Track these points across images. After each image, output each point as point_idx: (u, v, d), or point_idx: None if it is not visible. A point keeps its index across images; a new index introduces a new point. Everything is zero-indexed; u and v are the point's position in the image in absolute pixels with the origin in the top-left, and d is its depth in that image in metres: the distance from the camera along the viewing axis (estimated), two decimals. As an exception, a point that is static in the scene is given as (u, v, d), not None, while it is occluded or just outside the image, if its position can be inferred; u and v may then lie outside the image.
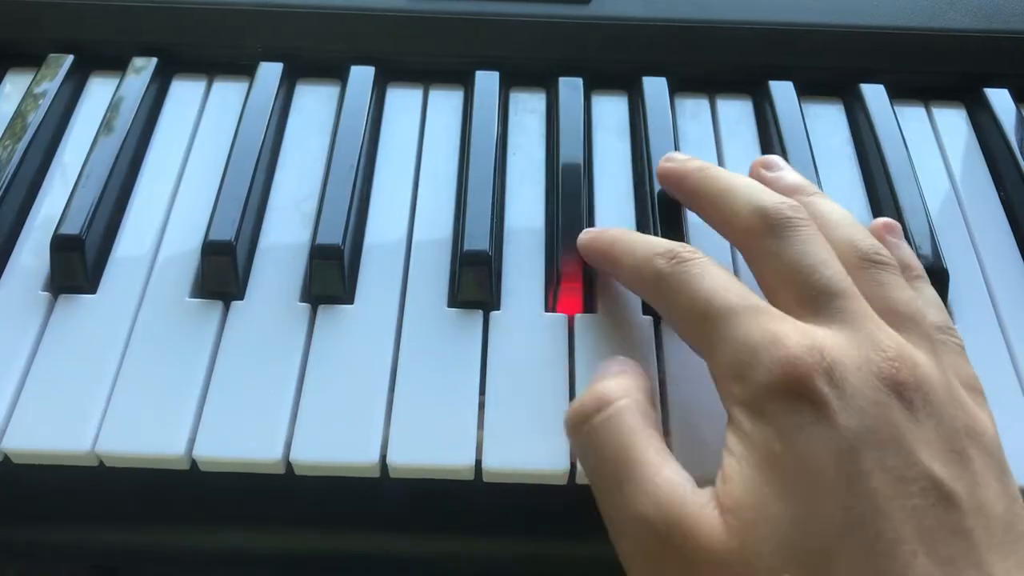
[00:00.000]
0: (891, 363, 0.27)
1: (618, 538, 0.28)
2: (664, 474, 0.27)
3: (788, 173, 0.37)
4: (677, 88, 0.45)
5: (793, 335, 0.27)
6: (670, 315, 0.32)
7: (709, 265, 0.31)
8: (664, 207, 0.39)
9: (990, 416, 0.29)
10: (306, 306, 0.36)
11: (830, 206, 0.34)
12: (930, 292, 0.34)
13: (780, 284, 0.30)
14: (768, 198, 0.32)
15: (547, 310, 0.36)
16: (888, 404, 0.26)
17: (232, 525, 0.35)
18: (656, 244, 0.32)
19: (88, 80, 0.45)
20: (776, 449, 0.26)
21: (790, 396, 0.26)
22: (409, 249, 0.38)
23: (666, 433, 0.32)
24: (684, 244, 0.32)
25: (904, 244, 0.36)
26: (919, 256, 0.37)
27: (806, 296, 0.29)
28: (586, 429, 0.29)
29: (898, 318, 0.29)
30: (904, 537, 0.24)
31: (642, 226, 0.40)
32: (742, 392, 0.27)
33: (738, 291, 0.29)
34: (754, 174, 0.38)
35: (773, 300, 0.30)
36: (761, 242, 0.31)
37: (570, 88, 0.44)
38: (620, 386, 0.30)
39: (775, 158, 0.38)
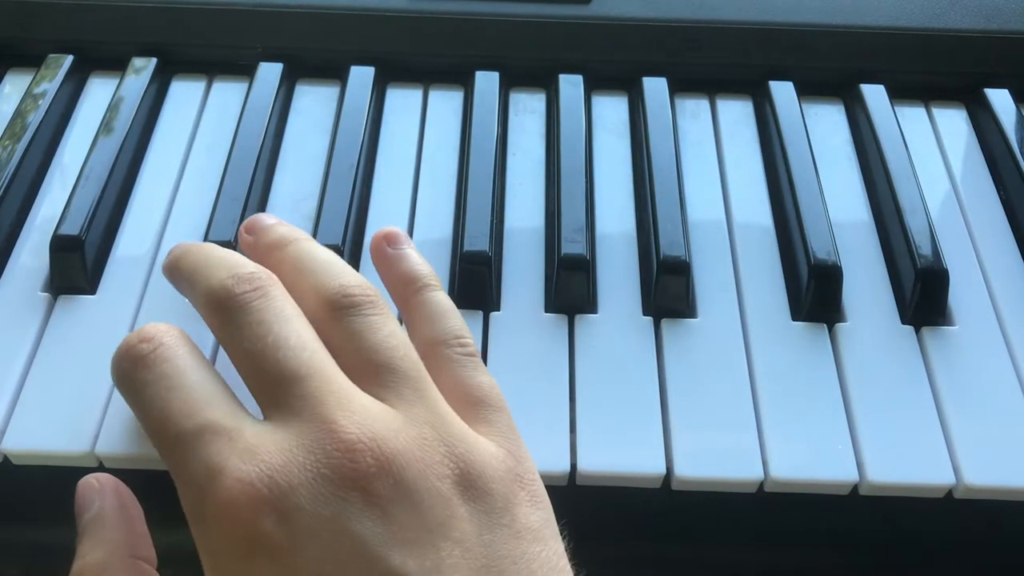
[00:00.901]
0: (348, 456, 0.23)
1: None
2: None
3: (271, 231, 0.32)
4: (677, 88, 0.45)
5: (233, 467, 0.23)
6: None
7: (164, 362, 0.26)
8: (664, 207, 0.39)
9: (500, 429, 0.27)
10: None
11: (308, 249, 0.30)
12: (434, 301, 0.30)
13: (244, 375, 0.27)
14: (217, 275, 0.28)
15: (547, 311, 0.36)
16: (349, 515, 0.23)
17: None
18: (128, 338, 0.28)
19: (88, 80, 0.45)
20: None
21: (239, 546, 0.23)
22: (409, 249, 0.38)
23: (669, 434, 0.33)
24: (141, 330, 0.27)
25: (407, 252, 0.32)
26: (919, 256, 0.37)
27: (263, 385, 0.26)
28: None
29: (372, 370, 0.26)
30: None
31: (641, 227, 0.39)
32: (200, 541, 0.24)
33: (182, 409, 0.25)
34: (239, 240, 0.33)
35: (251, 392, 0.27)
36: (221, 328, 0.27)
37: (570, 87, 0.44)
38: (96, 561, 0.27)
39: (256, 219, 0.33)
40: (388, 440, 0.24)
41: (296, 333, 0.26)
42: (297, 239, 0.31)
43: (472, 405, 0.27)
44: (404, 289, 0.31)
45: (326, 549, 0.23)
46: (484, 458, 0.25)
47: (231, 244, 0.36)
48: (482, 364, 0.29)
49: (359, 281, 0.29)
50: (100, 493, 0.28)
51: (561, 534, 0.27)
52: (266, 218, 0.33)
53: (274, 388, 0.25)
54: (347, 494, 0.23)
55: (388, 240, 0.32)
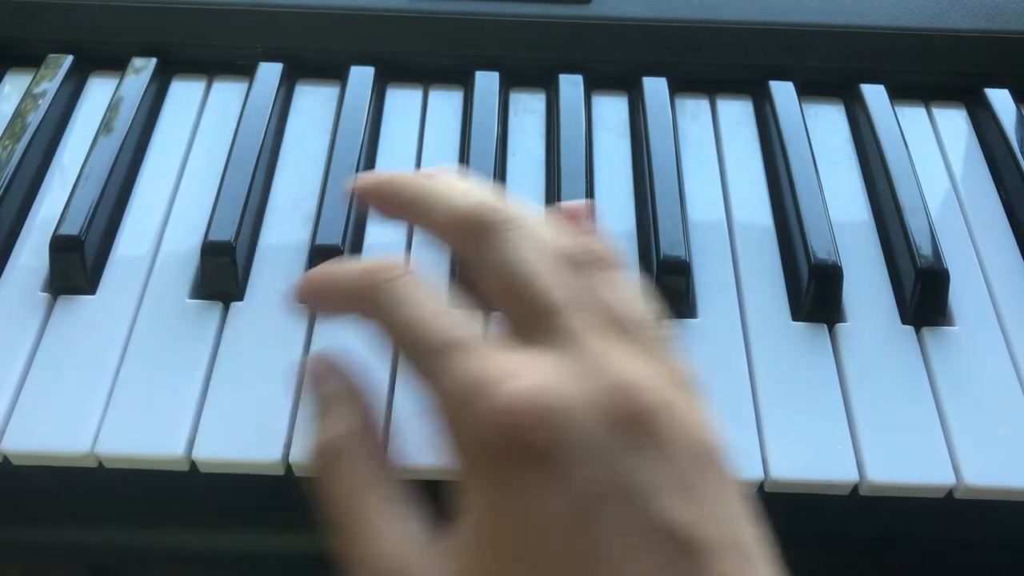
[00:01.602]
0: (613, 395, 0.23)
1: None
2: (385, 535, 0.25)
3: (458, 183, 0.32)
4: (677, 88, 0.45)
5: (504, 380, 0.23)
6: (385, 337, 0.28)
7: (406, 286, 0.27)
8: (664, 207, 0.39)
9: (707, 411, 0.26)
10: (306, 306, 0.36)
11: (523, 208, 0.30)
12: (629, 280, 0.30)
13: (499, 299, 0.27)
14: (466, 201, 0.28)
15: None
16: (614, 448, 0.23)
17: (232, 525, 0.35)
18: (356, 266, 0.29)
19: (88, 80, 0.45)
20: (500, 520, 0.23)
21: (507, 455, 0.23)
22: (409, 249, 0.38)
23: None
24: (385, 261, 0.28)
25: (596, 229, 0.32)
26: (919, 256, 0.37)
27: (524, 314, 0.26)
28: (315, 490, 0.27)
29: (612, 325, 0.26)
30: None
31: (641, 227, 0.39)
32: (457, 448, 0.24)
33: (441, 323, 0.26)
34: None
35: (500, 315, 0.27)
36: (475, 251, 0.27)
37: (570, 87, 0.44)
38: (338, 432, 0.27)
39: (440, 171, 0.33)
40: (645, 390, 0.24)
41: (554, 269, 0.27)
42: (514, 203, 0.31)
43: (678, 385, 0.27)
44: (598, 264, 0.30)
45: (593, 473, 0.23)
46: (710, 431, 0.25)
47: (231, 244, 0.36)
48: (677, 349, 0.29)
49: (595, 240, 0.29)
50: (336, 374, 0.29)
51: None
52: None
53: (536, 317, 0.26)
54: (611, 429, 0.23)
55: (580, 214, 0.32)
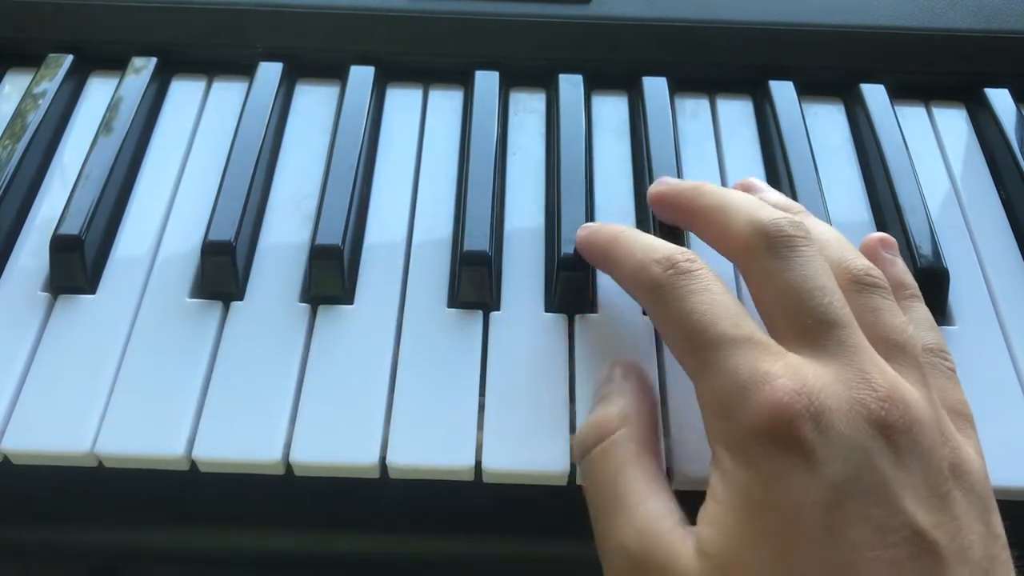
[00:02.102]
0: (881, 404, 0.26)
1: (604, 565, 0.28)
2: (647, 506, 0.27)
3: (772, 193, 0.36)
4: (677, 88, 0.45)
5: (782, 376, 0.26)
6: (661, 329, 0.31)
7: (707, 280, 0.29)
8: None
9: (977, 445, 0.29)
10: (306, 306, 0.36)
11: (819, 225, 0.33)
12: (923, 312, 0.33)
13: (776, 307, 0.29)
14: (767, 213, 0.30)
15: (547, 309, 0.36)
16: (874, 450, 0.25)
17: (232, 525, 0.35)
18: (655, 248, 0.31)
19: (88, 80, 0.45)
20: (756, 495, 0.25)
21: (774, 442, 0.25)
22: (409, 249, 0.38)
23: (666, 435, 0.32)
24: (685, 251, 0.31)
25: (899, 260, 0.35)
26: (919, 256, 0.37)
27: (802, 324, 0.28)
28: (585, 461, 0.30)
29: (890, 347, 0.28)
30: None
31: (642, 227, 0.39)
32: (725, 431, 0.27)
33: (733, 317, 0.28)
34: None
35: (769, 323, 0.29)
36: (759, 261, 0.30)
37: (570, 86, 0.44)
38: (619, 415, 0.30)
39: (755, 180, 0.38)
40: (913, 405, 0.26)
41: (836, 287, 0.29)
42: (803, 211, 0.35)
43: (956, 416, 0.29)
44: (896, 292, 0.33)
45: (850, 468, 0.25)
46: (972, 457, 0.27)
47: (231, 244, 0.36)
48: (959, 381, 0.31)
49: (874, 266, 0.31)
50: (628, 372, 0.32)
51: None
52: (758, 181, 0.38)
53: (813, 328, 0.28)
54: (874, 433, 0.25)
55: (885, 244, 0.35)
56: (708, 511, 0.27)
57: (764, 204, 0.31)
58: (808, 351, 0.27)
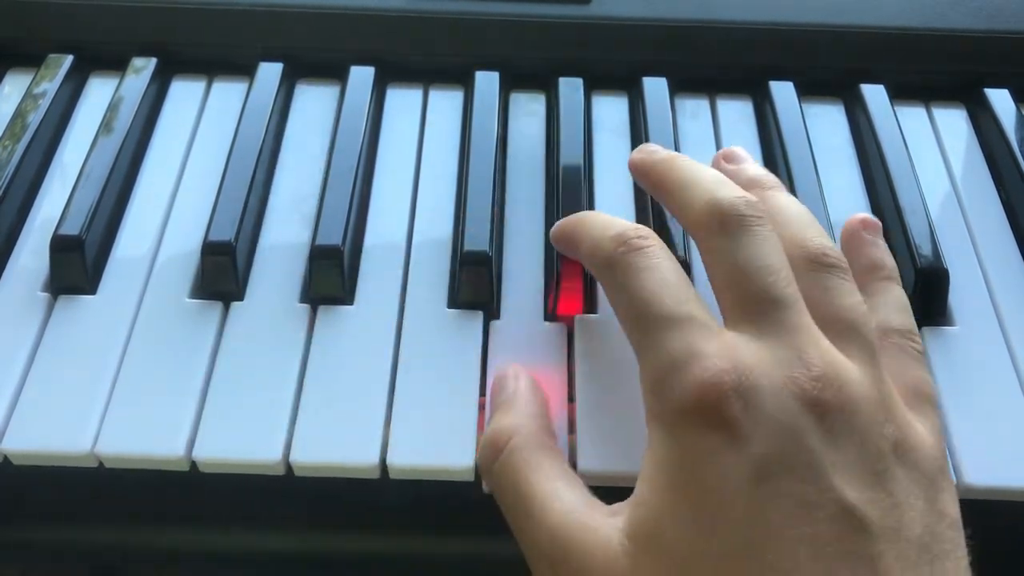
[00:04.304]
0: (814, 384, 0.26)
1: (532, 572, 0.28)
2: (552, 505, 0.27)
3: (750, 166, 0.36)
4: (677, 88, 0.45)
5: (714, 355, 0.26)
6: (614, 307, 0.31)
7: (657, 257, 0.29)
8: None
9: (934, 424, 0.28)
10: (306, 307, 0.36)
11: (787, 200, 0.33)
12: (896, 293, 0.33)
13: (725, 285, 0.29)
14: (725, 192, 0.30)
15: (546, 316, 0.36)
16: (804, 428, 0.25)
17: (232, 525, 0.35)
18: (609, 225, 0.31)
19: (88, 80, 0.45)
20: (681, 475, 0.25)
21: (700, 420, 0.25)
22: (409, 250, 0.38)
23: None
24: (638, 227, 0.31)
25: (880, 242, 0.35)
26: (919, 256, 0.37)
27: (746, 303, 0.28)
28: (488, 480, 0.30)
29: (839, 326, 0.28)
30: (799, 566, 0.24)
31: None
32: (658, 410, 0.27)
33: (677, 295, 0.28)
34: (715, 166, 0.36)
35: (720, 300, 0.29)
36: (713, 239, 0.30)
37: (570, 88, 0.44)
38: (509, 426, 0.30)
39: (738, 150, 0.37)
40: (850, 384, 0.26)
41: (784, 266, 0.29)
42: (776, 185, 0.34)
43: (913, 396, 0.29)
44: (871, 273, 0.33)
45: (777, 446, 0.25)
46: (920, 437, 0.27)
47: (231, 244, 0.36)
48: (924, 362, 0.31)
49: (834, 246, 0.31)
50: (515, 379, 0.32)
51: None
52: (740, 151, 0.37)
53: (756, 306, 0.28)
54: (805, 412, 0.25)
55: (865, 225, 0.35)
56: (637, 492, 0.27)
57: (727, 182, 0.31)
58: (749, 330, 0.27)
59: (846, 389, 0.26)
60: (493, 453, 0.30)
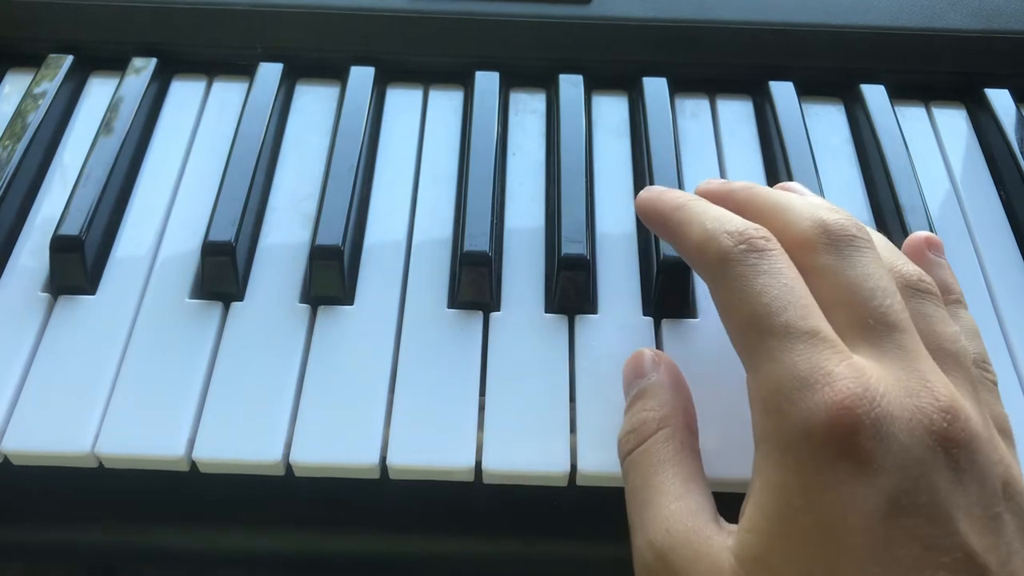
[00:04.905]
0: (944, 415, 0.24)
1: (635, 562, 0.28)
2: (679, 503, 0.27)
3: (814, 198, 0.34)
4: (677, 88, 0.45)
5: (846, 377, 0.25)
6: (721, 307, 0.29)
7: (781, 262, 0.28)
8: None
9: (1016, 461, 0.27)
10: (306, 307, 0.36)
11: (869, 229, 0.32)
12: (968, 319, 0.32)
13: (835, 303, 0.28)
14: (831, 214, 0.29)
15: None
16: (933, 464, 0.24)
17: (232, 525, 0.35)
18: (728, 220, 0.29)
19: (88, 80, 0.45)
20: (798, 503, 0.24)
21: (828, 446, 0.24)
22: (409, 249, 0.38)
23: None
24: (760, 227, 0.29)
25: (945, 263, 0.34)
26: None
27: (863, 323, 0.27)
28: (626, 463, 0.29)
29: (943, 356, 0.27)
30: None
31: (643, 229, 0.39)
32: (774, 428, 0.25)
33: (802, 307, 0.27)
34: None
35: (831, 320, 0.28)
36: (819, 256, 0.28)
37: (570, 87, 0.44)
38: (658, 416, 0.29)
39: (796, 184, 0.37)
40: (971, 419, 0.25)
41: (896, 290, 0.28)
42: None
43: (998, 431, 0.28)
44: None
45: (905, 481, 0.24)
46: (1021, 477, 0.26)
47: (231, 244, 0.36)
48: (1000, 395, 0.30)
49: (925, 273, 0.30)
50: (656, 365, 0.31)
51: None
52: (801, 186, 0.36)
53: (875, 328, 0.27)
54: (934, 447, 0.24)
55: (930, 245, 0.34)
56: (746, 514, 0.26)
57: (826, 204, 0.31)
58: (871, 352, 0.26)
59: (969, 424, 0.25)
60: (638, 440, 0.29)
